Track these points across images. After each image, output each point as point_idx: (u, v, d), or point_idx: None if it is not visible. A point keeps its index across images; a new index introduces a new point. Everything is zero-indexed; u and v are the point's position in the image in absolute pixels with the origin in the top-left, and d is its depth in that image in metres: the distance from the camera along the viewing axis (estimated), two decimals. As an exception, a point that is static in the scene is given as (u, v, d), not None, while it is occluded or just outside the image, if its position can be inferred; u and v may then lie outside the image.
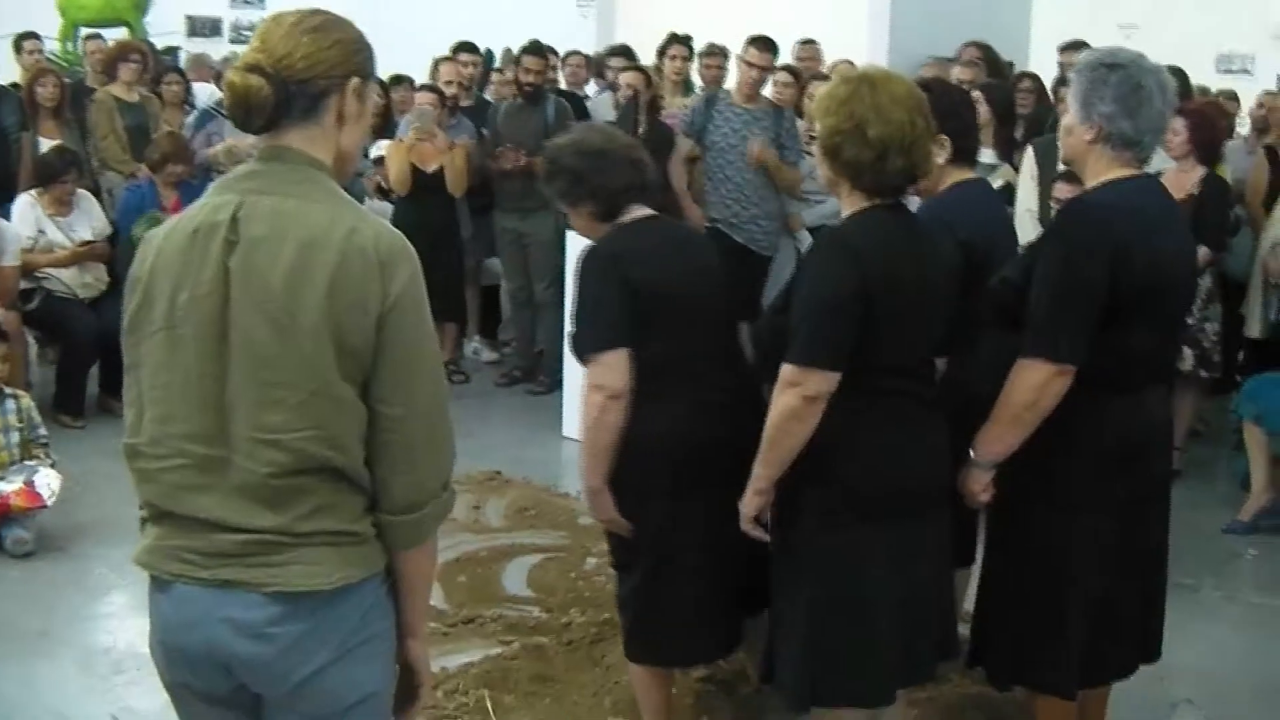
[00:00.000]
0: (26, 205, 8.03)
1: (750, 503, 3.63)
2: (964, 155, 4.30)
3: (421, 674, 2.66)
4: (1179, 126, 7.17)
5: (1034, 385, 3.52)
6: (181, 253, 2.39)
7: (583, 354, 3.82)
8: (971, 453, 3.67)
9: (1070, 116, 3.68)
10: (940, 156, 4.14)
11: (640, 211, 4.01)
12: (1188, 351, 7.12)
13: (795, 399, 3.39)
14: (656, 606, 3.95)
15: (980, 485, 3.69)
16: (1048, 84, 8.62)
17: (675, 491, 3.84)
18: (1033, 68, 9.44)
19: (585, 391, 3.81)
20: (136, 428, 2.46)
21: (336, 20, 2.50)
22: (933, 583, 3.62)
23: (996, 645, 3.88)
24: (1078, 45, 8.64)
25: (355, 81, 2.48)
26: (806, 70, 8.93)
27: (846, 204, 3.55)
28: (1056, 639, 3.72)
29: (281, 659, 2.40)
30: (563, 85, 10.21)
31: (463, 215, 8.85)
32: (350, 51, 2.47)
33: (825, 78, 8.69)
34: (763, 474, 3.57)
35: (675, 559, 3.89)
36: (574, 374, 7.90)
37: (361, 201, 9.13)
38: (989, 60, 8.89)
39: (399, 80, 10.34)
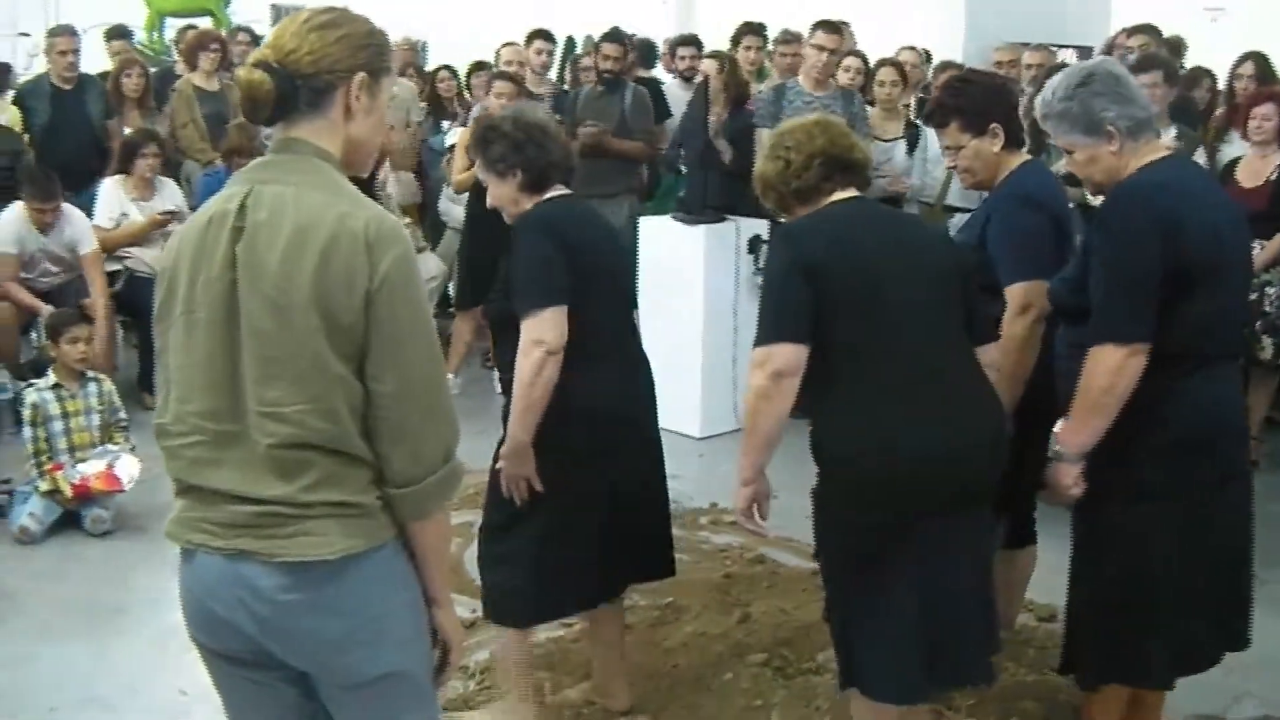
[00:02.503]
0: (112, 187, 8.23)
1: (740, 495, 3.70)
2: (1014, 140, 4.30)
3: (450, 640, 2.74)
4: (1269, 111, 7.05)
5: (1109, 369, 3.51)
6: (198, 241, 2.54)
7: (523, 310, 3.88)
8: (1057, 447, 3.65)
9: (1083, 150, 3.68)
10: (995, 145, 4.17)
11: (562, 190, 4.14)
12: (1267, 340, 7.00)
13: (762, 378, 3.49)
14: (541, 570, 4.02)
15: (1070, 478, 3.65)
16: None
17: (595, 454, 3.96)
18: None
19: (523, 347, 3.87)
20: (164, 408, 2.60)
21: (347, 17, 2.61)
22: (967, 581, 3.58)
23: (1085, 646, 3.84)
24: (1145, 29, 8.55)
25: (361, 76, 2.58)
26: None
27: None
28: (1143, 631, 3.69)
29: (293, 625, 2.51)
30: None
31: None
32: (356, 47, 2.58)
33: (860, 55, 8.65)
34: (745, 462, 3.67)
35: (576, 521, 4.00)
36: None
37: (440, 188, 9.30)
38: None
39: (479, 66, 10.45)
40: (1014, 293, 4.02)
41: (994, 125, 4.20)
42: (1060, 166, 5.49)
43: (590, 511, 4.02)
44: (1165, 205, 3.51)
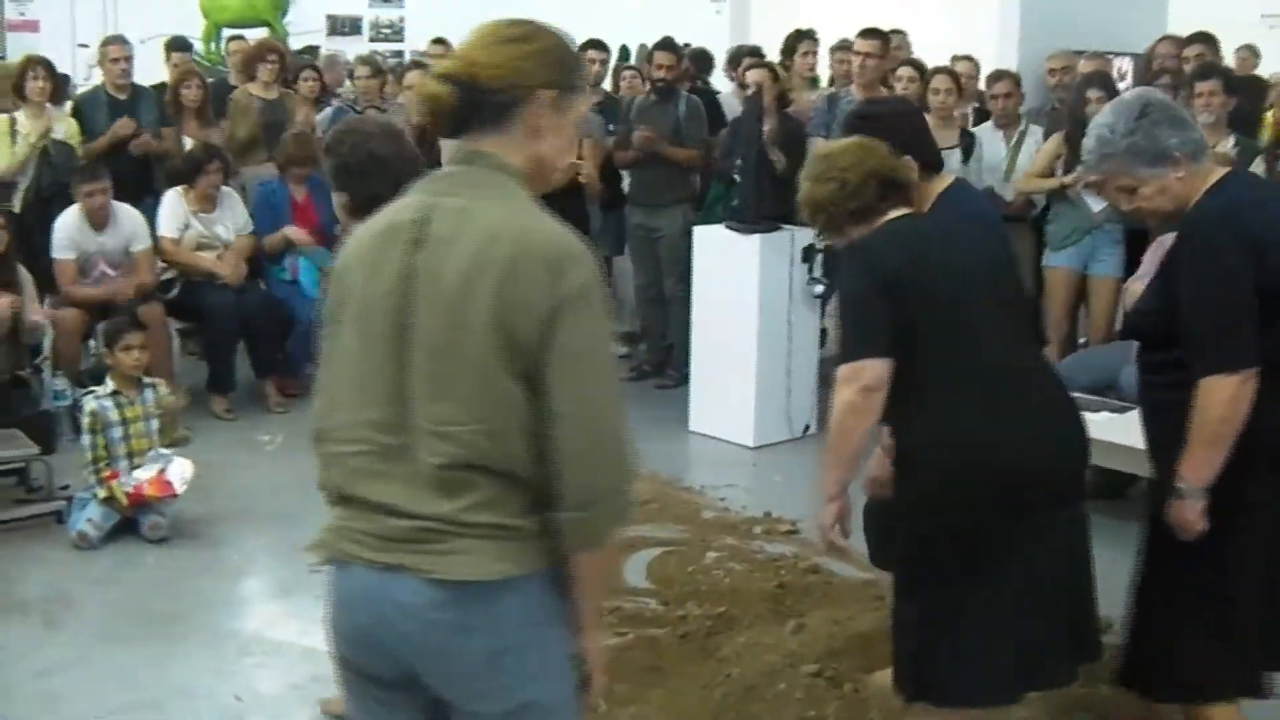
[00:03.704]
0: (174, 199, 8.32)
1: (827, 511, 3.69)
2: (932, 166, 4.23)
3: (591, 664, 2.65)
4: None
5: (1224, 400, 3.42)
6: (371, 250, 2.52)
7: None
8: (1179, 485, 3.51)
9: (1151, 184, 3.56)
10: (913, 174, 4.07)
11: None
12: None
13: (852, 393, 3.48)
14: None
15: (1195, 514, 3.51)
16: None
17: None
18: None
19: None
20: (327, 414, 2.57)
21: (538, 31, 2.56)
22: (1061, 581, 3.56)
23: (1162, 662, 3.71)
24: (1201, 38, 8.48)
25: (548, 93, 2.52)
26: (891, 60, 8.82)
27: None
28: (1232, 644, 3.58)
29: (438, 645, 2.46)
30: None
31: (592, 211, 8.93)
32: (545, 64, 2.52)
33: (916, 64, 8.62)
34: (832, 478, 3.66)
35: None
36: (702, 369, 8.00)
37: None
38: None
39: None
40: None
41: (904, 158, 4.01)
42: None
43: None
44: (1244, 223, 3.45)
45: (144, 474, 6.07)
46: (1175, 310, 3.50)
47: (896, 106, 4.64)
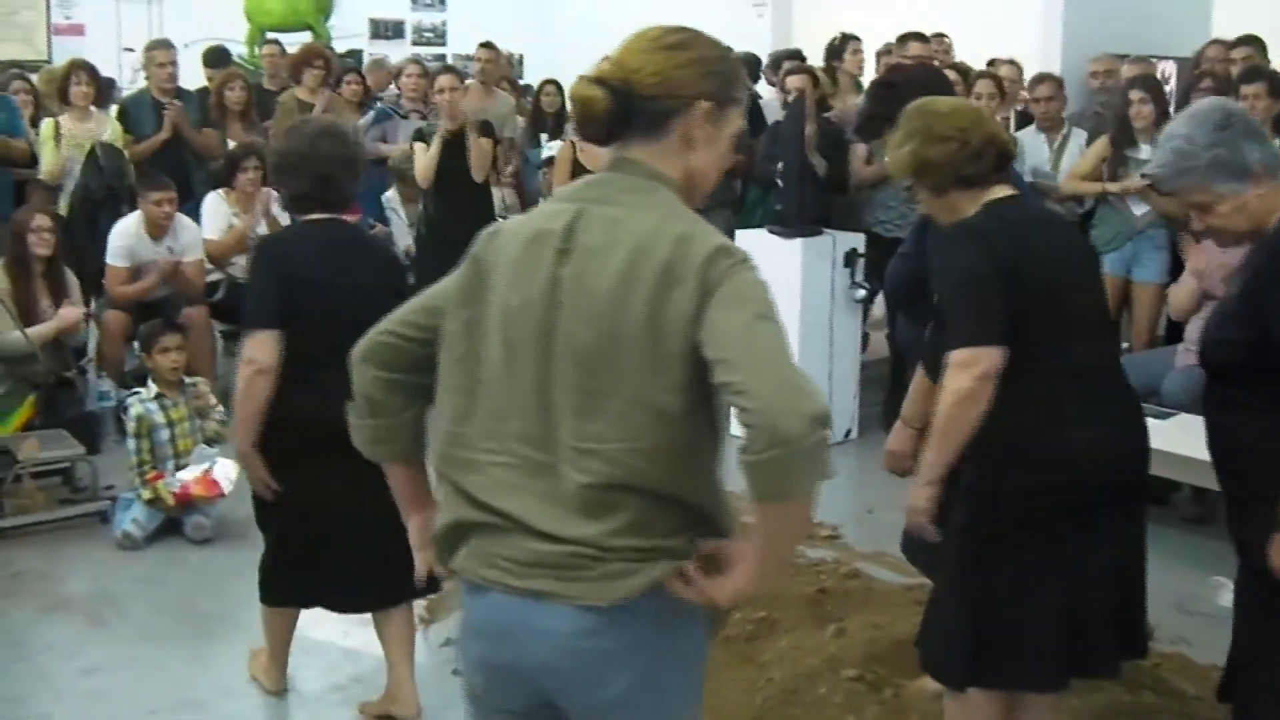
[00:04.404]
0: (216, 201, 8.39)
1: (920, 494, 3.59)
2: None
3: (733, 559, 2.38)
4: None
5: None
6: (517, 257, 2.43)
7: (244, 329, 4.21)
8: None
9: (1230, 200, 3.37)
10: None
11: (318, 215, 4.36)
12: None
13: (968, 380, 3.37)
14: (286, 560, 4.42)
15: None
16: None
17: (315, 464, 4.12)
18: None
19: (240, 365, 4.17)
20: (461, 418, 2.47)
21: (698, 40, 2.49)
22: (1113, 573, 3.55)
23: None
24: (1248, 40, 8.44)
25: (705, 105, 2.45)
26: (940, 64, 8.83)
27: (969, 208, 3.62)
28: None
29: (589, 673, 2.40)
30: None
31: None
32: (703, 74, 2.45)
33: (959, 67, 8.61)
34: (936, 462, 3.52)
35: (309, 522, 4.28)
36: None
37: (537, 201, 9.36)
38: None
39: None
40: None
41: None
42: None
43: (302, 514, 4.28)
44: None
45: (189, 474, 6.11)
46: (1265, 340, 3.30)
47: (919, 75, 4.57)
